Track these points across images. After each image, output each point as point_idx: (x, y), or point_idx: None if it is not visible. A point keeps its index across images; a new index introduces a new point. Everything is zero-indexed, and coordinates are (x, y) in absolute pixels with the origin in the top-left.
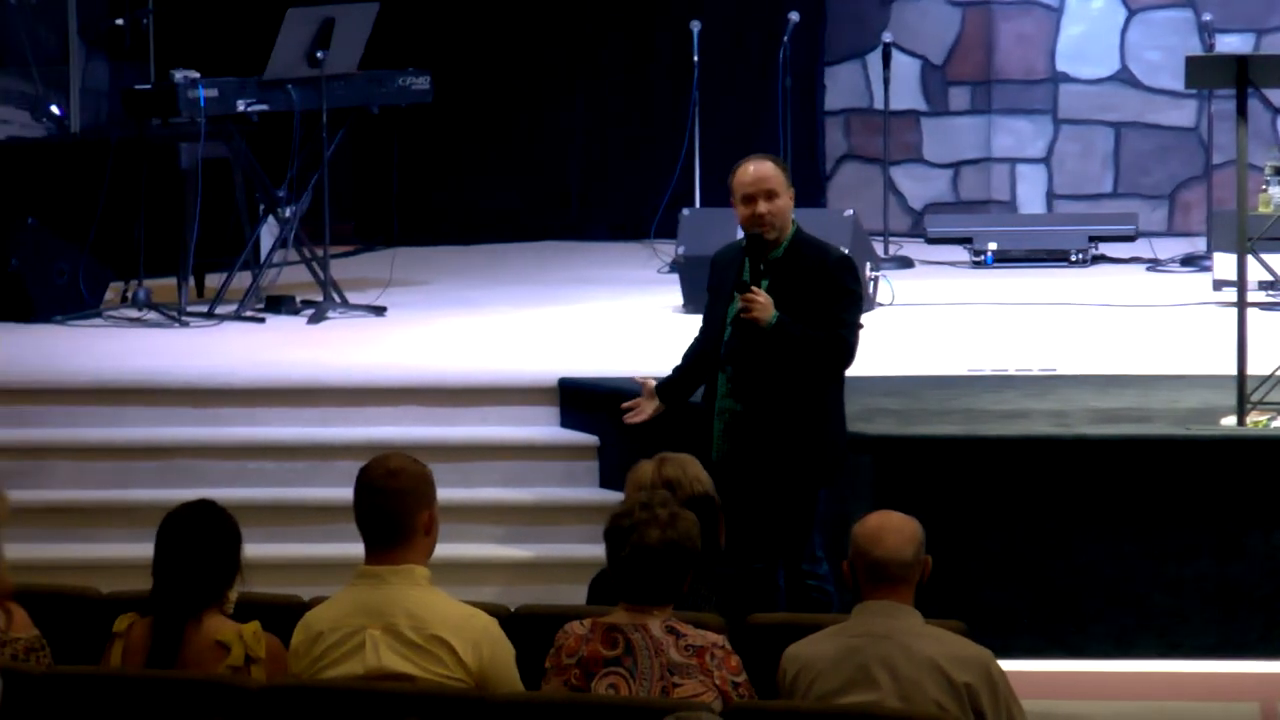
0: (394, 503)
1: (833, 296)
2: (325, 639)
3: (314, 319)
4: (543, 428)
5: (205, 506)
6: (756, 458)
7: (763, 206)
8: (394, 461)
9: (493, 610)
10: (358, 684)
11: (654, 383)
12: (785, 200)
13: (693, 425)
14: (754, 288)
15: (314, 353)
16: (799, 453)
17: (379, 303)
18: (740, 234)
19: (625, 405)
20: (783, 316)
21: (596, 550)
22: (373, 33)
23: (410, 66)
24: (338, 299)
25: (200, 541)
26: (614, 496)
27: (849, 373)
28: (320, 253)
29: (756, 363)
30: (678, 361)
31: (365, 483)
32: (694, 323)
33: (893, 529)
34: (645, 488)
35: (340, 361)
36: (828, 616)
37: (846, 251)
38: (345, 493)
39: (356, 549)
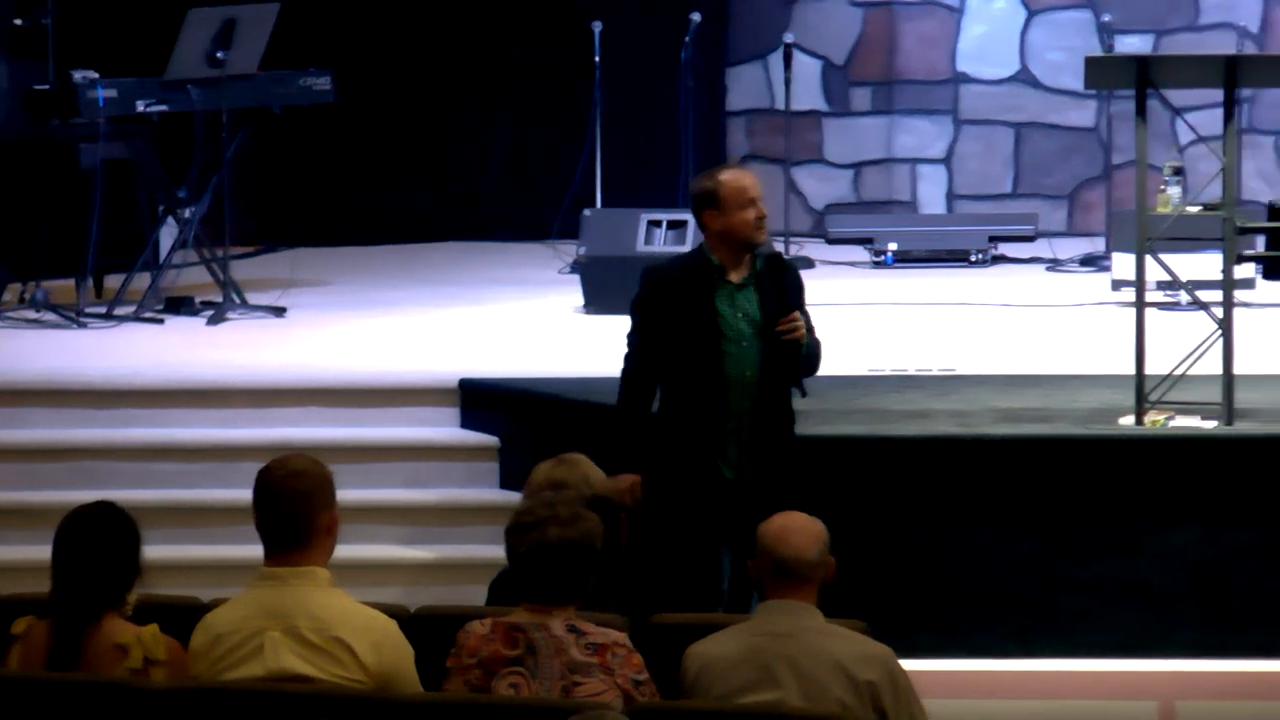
0: (295, 504)
1: (801, 302)
2: (225, 641)
3: (213, 320)
4: (443, 429)
5: (104, 508)
6: (778, 473)
7: (763, 208)
8: (294, 463)
9: (393, 611)
10: (258, 685)
11: (628, 484)
12: None
13: (602, 434)
14: (795, 312)
15: (215, 354)
16: (794, 463)
17: (279, 303)
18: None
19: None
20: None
21: (497, 551)
22: (274, 33)
23: (312, 67)
24: (237, 300)
25: (99, 544)
26: (515, 497)
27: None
28: (220, 253)
29: (780, 381)
30: (631, 402)
31: (265, 484)
32: (595, 323)
33: (797, 529)
34: (537, 489)
35: (241, 362)
36: (731, 616)
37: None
38: (248, 494)
39: (259, 550)
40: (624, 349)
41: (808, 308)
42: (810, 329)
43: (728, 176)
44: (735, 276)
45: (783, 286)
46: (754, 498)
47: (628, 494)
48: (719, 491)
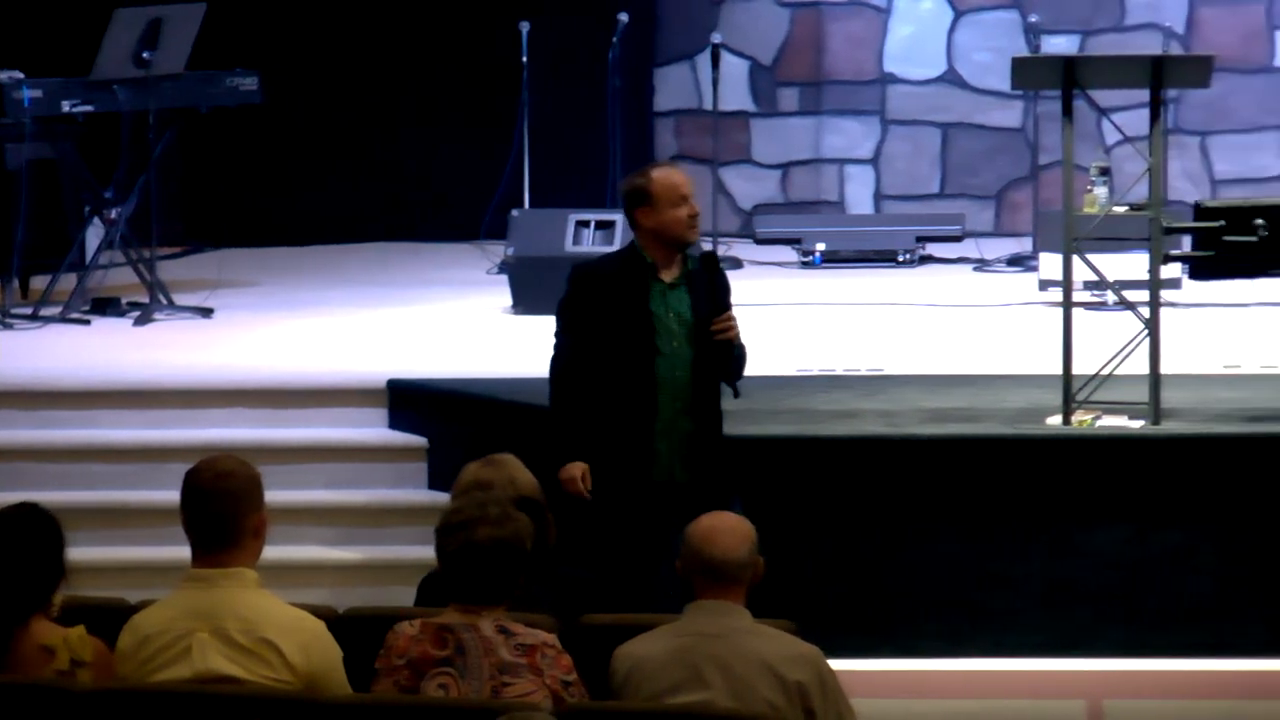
0: (222, 505)
1: (728, 302)
2: (153, 642)
3: (140, 321)
4: (371, 429)
5: (27, 510)
6: (709, 473)
7: (696, 206)
8: (222, 464)
9: (321, 612)
10: (185, 687)
11: (580, 471)
12: None
13: (532, 435)
14: (728, 313)
15: (142, 354)
16: (726, 462)
17: (207, 304)
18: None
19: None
20: None
21: (425, 551)
22: (201, 33)
23: (239, 67)
24: (165, 301)
25: (22, 545)
26: (443, 498)
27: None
28: (147, 254)
29: (710, 381)
30: (565, 403)
31: (193, 485)
32: (523, 323)
33: (725, 530)
34: (464, 489)
35: (169, 363)
36: (660, 616)
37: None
38: (175, 495)
39: (187, 552)
40: (551, 350)
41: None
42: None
43: (659, 174)
44: (667, 276)
45: (714, 285)
46: (685, 500)
47: (578, 482)
48: (649, 494)
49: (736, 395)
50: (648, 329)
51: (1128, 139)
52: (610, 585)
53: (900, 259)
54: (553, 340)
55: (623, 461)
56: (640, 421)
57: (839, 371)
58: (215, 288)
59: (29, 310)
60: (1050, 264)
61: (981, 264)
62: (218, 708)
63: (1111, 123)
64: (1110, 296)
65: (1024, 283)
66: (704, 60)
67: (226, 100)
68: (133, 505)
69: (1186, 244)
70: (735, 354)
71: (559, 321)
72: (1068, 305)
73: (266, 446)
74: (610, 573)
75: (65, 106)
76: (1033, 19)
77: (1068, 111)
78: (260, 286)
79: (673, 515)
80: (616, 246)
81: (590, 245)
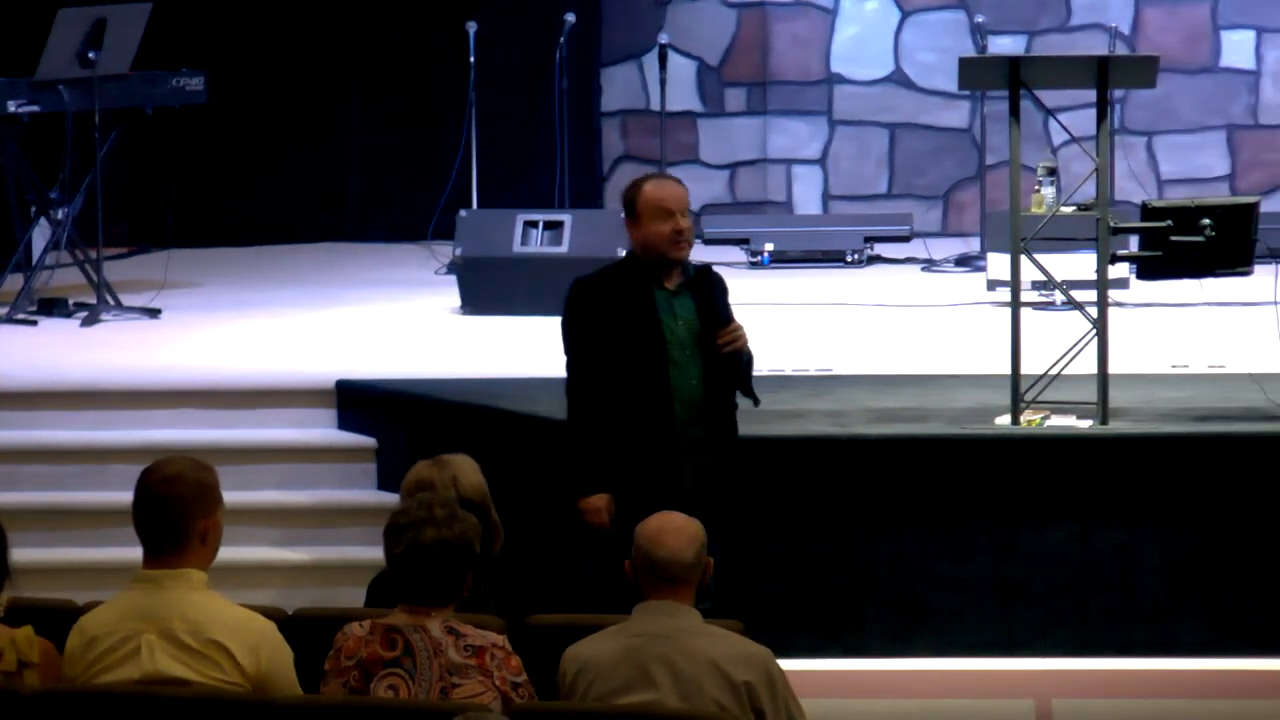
0: (170, 509)
1: (730, 313)
2: (100, 644)
3: (87, 321)
4: (320, 430)
5: None
6: (723, 482)
7: (682, 222)
8: (173, 467)
9: (270, 613)
10: (133, 689)
11: (604, 503)
12: (690, 220)
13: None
14: (735, 322)
15: (89, 355)
16: (737, 472)
17: (154, 305)
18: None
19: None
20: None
21: (374, 552)
22: (146, 33)
23: (184, 67)
24: (111, 301)
25: None
26: (392, 498)
27: None
28: (94, 255)
29: (722, 389)
30: (583, 421)
31: (143, 486)
32: (471, 324)
33: (674, 530)
34: (408, 490)
35: (116, 364)
36: (608, 617)
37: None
38: (121, 496)
39: (135, 553)
40: (564, 372)
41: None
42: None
43: (649, 186)
44: (670, 283)
45: (711, 297)
46: (705, 509)
47: (602, 514)
48: (677, 504)
49: (756, 403)
50: (658, 338)
51: (1074, 139)
52: (618, 593)
53: (848, 259)
54: (564, 361)
55: (648, 475)
56: (658, 433)
57: (787, 371)
58: (162, 288)
59: None
60: (998, 264)
61: (929, 264)
62: (166, 709)
63: (1058, 123)
64: (1058, 296)
65: (972, 283)
66: (651, 60)
67: (172, 100)
68: (79, 506)
69: (1134, 244)
70: (745, 361)
71: (564, 341)
72: (1015, 305)
73: (214, 447)
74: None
75: (10, 106)
76: (979, 19)
77: (1014, 112)
78: (207, 287)
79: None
80: (565, 247)
81: (538, 246)
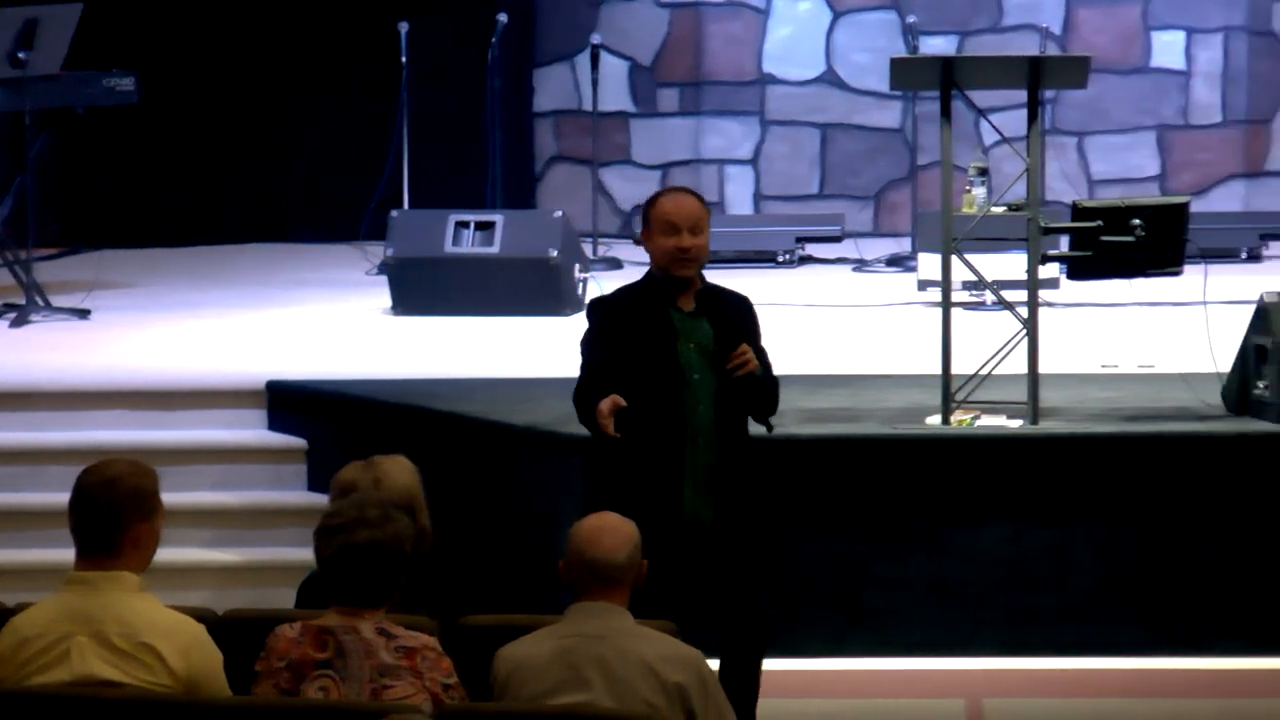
0: (107, 512)
1: (756, 336)
2: (31, 645)
3: (16, 323)
4: (250, 430)
5: None
6: (736, 511)
7: (688, 240)
8: (113, 469)
9: (200, 614)
10: (64, 690)
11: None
12: (706, 238)
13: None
14: (744, 345)
15: (18, 356)
16: (756, 499)
17: (84, 306)
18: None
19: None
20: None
21: (305, 553)
22: (77, 33)
23: (115, 68)
24: (41, 302)
25: None
26: (322, 499)
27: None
28: (23, 255)
29: (735, 414)
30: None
31: (81, 487)
32: (403, 324)
33: (609, 531)
34: (335, 491)
35: (46, 365)
36: (542, 617)
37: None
38: (54, 497)
39: (67, 554)
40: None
41: (759, 344)
42: (767, 365)
43: (664, 199)
44: (685, 304)
45: (728, 318)
46: (710, 539)
47: (605, 416)
48: (676, 533)
49: (770, 430)
50: (671, 361)
51: (1006, 139)
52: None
53: (780, 259)
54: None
55: (649, 500)
56: (667, 458)
57: None
58: (92, 289)
59: None
60: (929, 264)
61: (861, 264)
62: (96, 711)
63: (989, 123)
64: (989, 296)
65: (903, 283)
66: (583, 61)
67: (103, 100)
68: (10, 508)
69: (1064, 244)
70: (764, 386)
71: (582, 356)
72: (947, 305)
73: (145, 448)
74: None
75: None
76: (911, 20)
77: (946, 112)
78: (138, 288)
79: (698, 555)
80: (496, 248)
81: (470, 246)
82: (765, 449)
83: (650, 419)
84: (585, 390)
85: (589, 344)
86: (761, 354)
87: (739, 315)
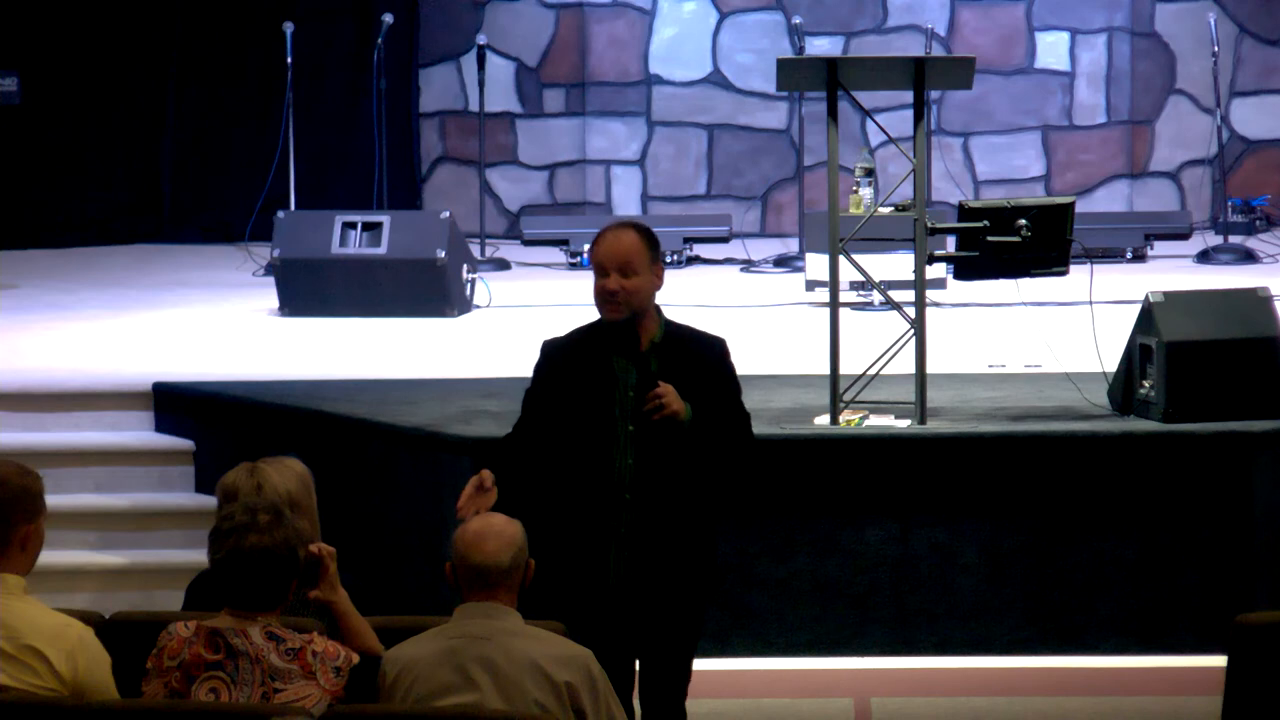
0: None
1: (722, 383)
2: None
3: None
4: (136, 432)
5: None
6: (663, 579)
7: (614, 282)
8: None
9: (86, 617)
10: None
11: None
12: (644, 280)
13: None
14: (660, 382)
15: None
16: (696, 571)
17: None
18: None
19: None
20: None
21: (192, 555)
22: None
23: None
24: None
25: None
26: (209, 501)
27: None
28: None
29: (662, 471)
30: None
31: None
32: (290, 325)
33: (494, 534)
34: (220, 496)
35: None
36: (428, 618)
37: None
38: None
39: None
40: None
41: (730, 393)
42: (743, 417)
43: (599, 237)
44: (639, 349)
45: (678, 363)
46: (641, 611)
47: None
48: (600, 596)
49: (733, 488)
50: (604, 410)
51: (892, 140)
52: None
53: (667, 260)
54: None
55: (573, 563)
56: (593, 517)
57: None
58: None
59: None
60: (816, 264)
61: (748, 265)
62: None
63: (876, 123)
64: (876, 297)
65: (790, 283)
66: (469, 61)
67: None
68: None
69: (951, 244)
70: (707, 432)
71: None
72: (834, 305)
73: (29, 450)
74: None
75: None
76: (796, 20)
77: (832, 113)
78: (20, 289)
79: (624, 624)
80: (383, 248)
81: (357, 247)
82: None
83: (579, 473)
84: (505, 444)
85: (527, 390)
86: (724, 404)
87: (694, 360)
